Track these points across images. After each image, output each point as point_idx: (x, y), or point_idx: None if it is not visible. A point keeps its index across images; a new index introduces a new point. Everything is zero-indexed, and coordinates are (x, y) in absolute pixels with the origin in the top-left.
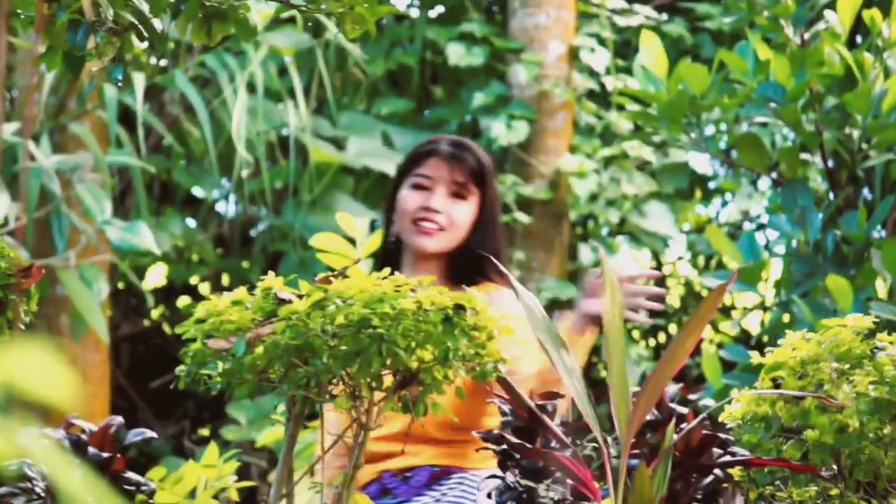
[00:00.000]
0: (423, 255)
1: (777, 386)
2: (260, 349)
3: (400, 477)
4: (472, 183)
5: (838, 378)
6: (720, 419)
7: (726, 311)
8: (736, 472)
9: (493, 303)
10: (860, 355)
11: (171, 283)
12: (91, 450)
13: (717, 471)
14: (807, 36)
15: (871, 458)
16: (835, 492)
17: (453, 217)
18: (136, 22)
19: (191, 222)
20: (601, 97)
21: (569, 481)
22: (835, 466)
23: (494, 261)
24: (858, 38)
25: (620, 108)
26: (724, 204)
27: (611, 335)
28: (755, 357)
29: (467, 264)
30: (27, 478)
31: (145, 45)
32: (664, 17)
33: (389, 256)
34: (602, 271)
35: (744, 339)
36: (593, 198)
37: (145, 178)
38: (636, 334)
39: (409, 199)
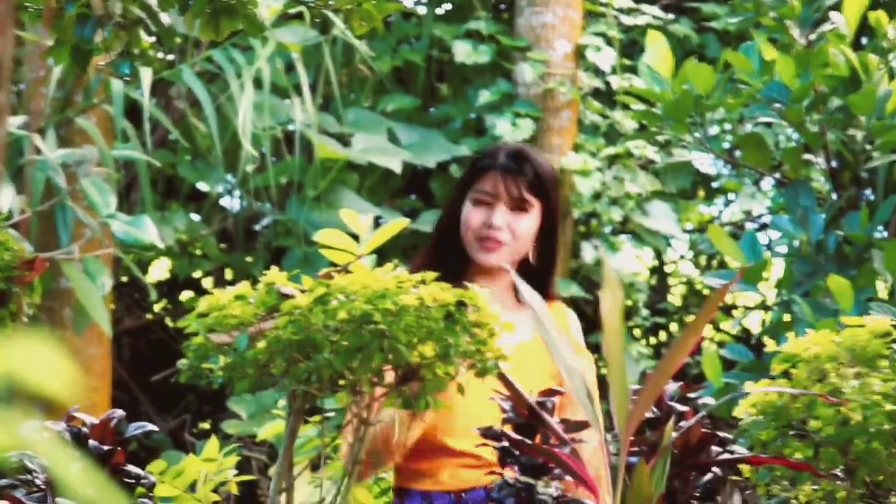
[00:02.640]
0: (489, 269)
1: (788, 379)
2: (262, 344)
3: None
4: (532, 195)
5: (854, 376)
6: (734, 413)
7: (727, 311)
8: (746, 469)
9: (570, 324)
10: (876, 355)
11: (175, 277)
12: (91, 442)
13: (715, 469)
14: (812, 37)
15: (876, 454)
16: (841, 494)
17: (515, 231)
18: (144, 16)
19: (195, 217)
20: (606, 96)
21: (567, 478)
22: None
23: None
24: (864, 40)
25: (625, 107)
26: (727, 203)
27: (610, 333)
28: (770, 344)
29: (530, 278)
30: (28, 470)
31: (153, 39)
32: (670, 16)
33: (447, 265)
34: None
35: (744, 338)
36: (596, 196)
37: (150, 173)
38: (637, 332)
39: (471, 216)
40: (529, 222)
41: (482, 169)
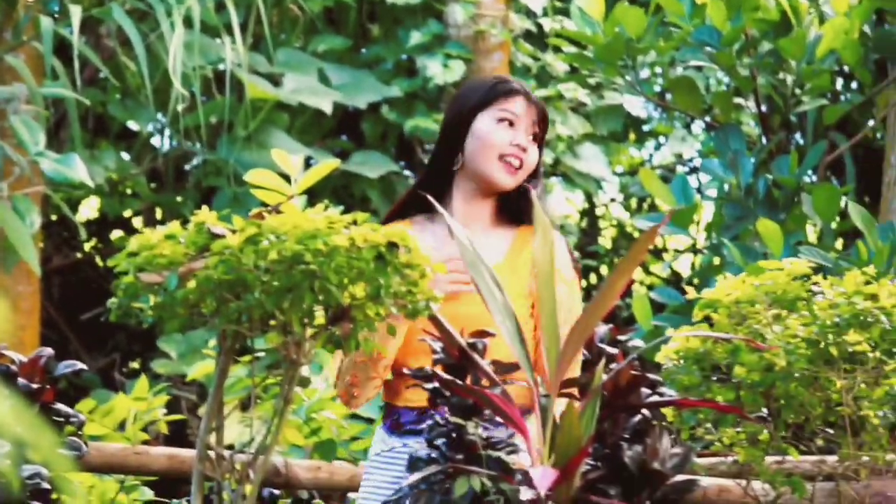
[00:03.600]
0: (488, 191)
1: (710, 324)
2: (192, 283)
3: None
4: (541, 128)
5: (773, 320)
6: (657, 359)
7: (657, 254)
8: (668, 412)
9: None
10: (795, 298)
11: (104, 216)
12: (20, 380)
13: (644, 410)
14: None
15: (799, 399)
16: (764, 436)
17: (530, 158)
18: None
19: (125, 156)
20: (538, 38)
21: (498, 419)
22: (765, 410)
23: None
24: None
25: (557, 49)
26: (658, 147)
27: (541, 275)
28: (690, 292)
29: (515, 204)
30: None
31: None
32: None
33: (434, 185)
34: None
35: (674, 281)
36: None
37: (80, 111)
38: None
39: (497, 133)
40: (535, 154)
41: (506, 92)
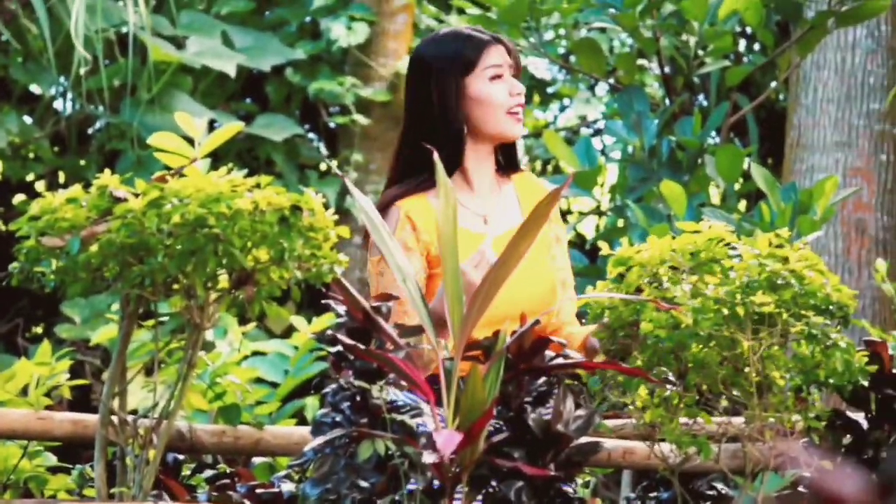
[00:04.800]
0: (490, 145)
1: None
2: (94, 247)
3: None
4: (517, 62)
5: (687, 278)
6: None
7: (562, 216)
8: (582, 373)
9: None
10: (712, 259)
11: (7, 180)
12: None
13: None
14: None
15: (707, 360)
16: (676, 399)
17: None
18: None
19: (27, 119)
20: (442, 0)
21: (402, 383)
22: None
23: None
24: None
25: (461, 11)
26: (562, 109)
27: (444, 236)
28: (604, 248)
29: (509, 149)
30: None
31: None
32: None
33: (452, 155)
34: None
35: (579, 243)
36: None
37: None
38: None
39: (495, 92)
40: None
41: (481, 47)
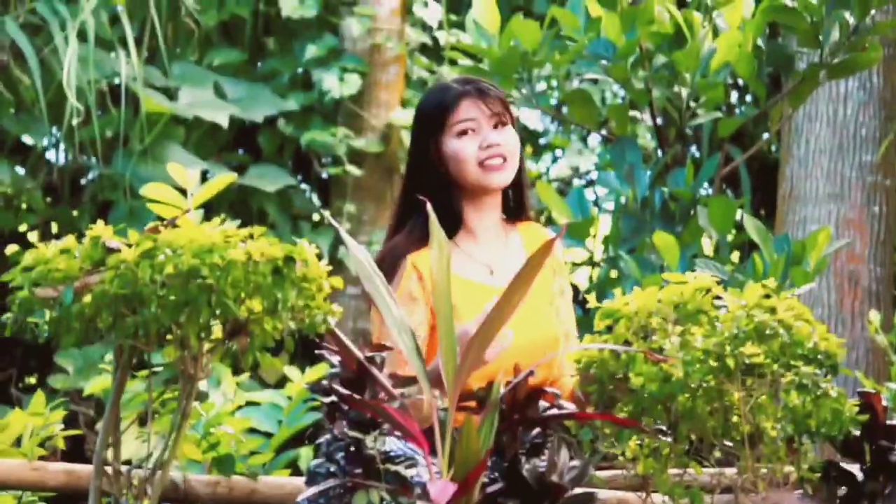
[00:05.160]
0: (487, 196)
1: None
2: (88, 298)
3: None
4: (504, 109)
5: (673, 329)
6: None
7: None
8: (571, 424)
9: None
10: (698, 310)
11: None
12: None
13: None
14: None
15: (697, 411)
16: (666, 450)
17: (510, 145)
18: None
19: (19, 170)
20: (434, 51)
21: (396, 433)
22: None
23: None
24: None
25: (453, 62)
26: (555, 160)
27: (439, 288)
28: (591, 300)
29: (517, 195)
30: None
31: None
32: None
33: (446, 206)
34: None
35: (573, 294)
36: None
37: None
38: None
39: (464, 148)
40: (514, 134)
41: (451, 102)
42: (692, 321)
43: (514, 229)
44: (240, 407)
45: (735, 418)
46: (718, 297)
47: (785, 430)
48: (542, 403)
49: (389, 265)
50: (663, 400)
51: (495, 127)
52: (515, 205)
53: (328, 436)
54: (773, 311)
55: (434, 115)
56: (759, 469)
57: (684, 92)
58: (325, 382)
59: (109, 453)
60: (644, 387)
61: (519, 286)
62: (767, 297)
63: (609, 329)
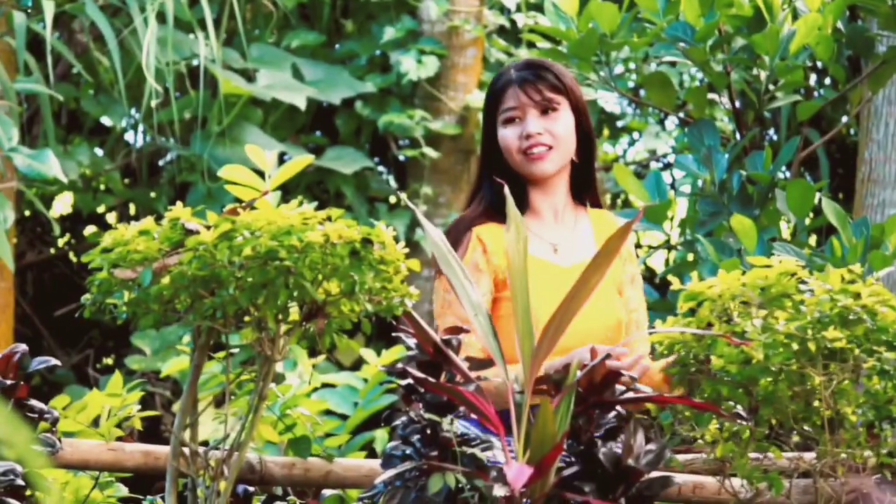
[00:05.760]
0: (546, 181)
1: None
2: (166, 279)
3: None
4: (555, 94)
5: (757, 312)
6: None
7: None
8: (652, 407)
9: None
10: (782, 294)
11: (78, 211)
12: None
13: (619, 407)
14: None
15: (778, 395)
16: (746, 434)
17: (554, 132)
18: None
19: (98, 151)
20: (511, 34)
21: (472, 416)
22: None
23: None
24: None
25: (530, 45)
26: (632, 142)
27: (514, 270)
28: (675, 283)
29: (583, 178)
30: None
31: None
32: None
33: (512, 187)
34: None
35: (649, 277)
36: None
37: (53, 106)
38: None
39: (507, 136)
40: (565, 120)
41: (499, 91)
42: (776, 305)
43: (585, 213)
44: (316, 389)
45: (815, 403)
46: (803, 282)
47: (866, 415)
48: (619, 387)
49: (455, 237)
50: (744, 383)
51: (544, 113)
52: (582, 188)
53: (404, 418)
54: (857, 296)
55: (487, 102)
56: (839, 454)
57: (763, 75)
58: (401, 365)
59: (187, 434)
60: (724, 369)
61: (595, 271)
62: (852, 282)
63: (691, 312)
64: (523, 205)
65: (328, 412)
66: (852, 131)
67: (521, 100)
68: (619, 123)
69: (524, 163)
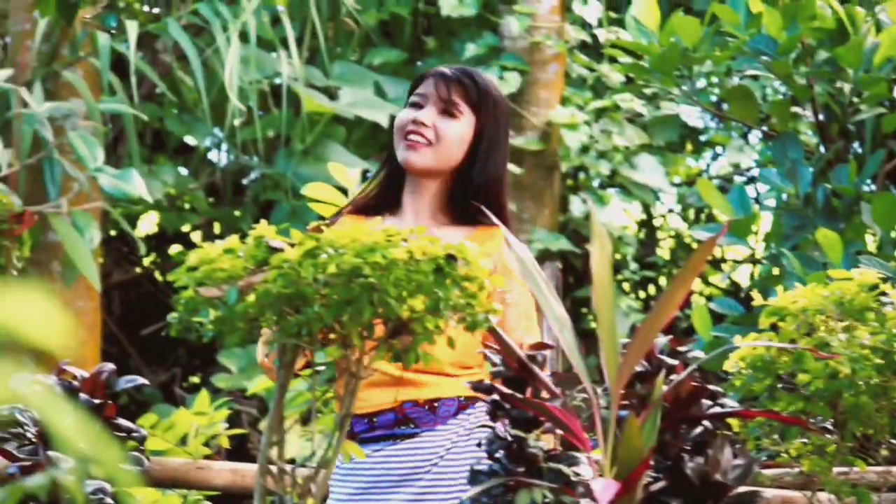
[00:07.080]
0: (418, 177)
1: (776, 333)
2: (251, 297)
3: (426, 407)
4: (464, 102)
5: (840, 329)
6: (725, 367)
7: (716, 264)
8: (735, 422)
9: (501, 257)
10: (863, 307)
11: (163, 230)
12: (82, 396)
13: (706, 422)
14: None
15: (865, 409)
16: (831, 447)
17: (440, 132)
18: None
19: (183, 171)
20: (593, 49)
21: (559, 431)
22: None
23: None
24: None
25: (612, 60)
26: (715, 157)
27: (599, 287)
28: (757, 298)
29: (464, 194)
30: (18, 423)
31: None
32: None
33: (391, 188)
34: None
35: (733, 291)
36: (584, 150)
37: (138, 126)
38: (626, 286)
39: (401, 116)
40: (458, 128)
41: (421, 77)
42: (857, 318)
43: (455, 229)
44: None
45: None
46: (884, 294)
47: None
48: (705, 402)
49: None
50: (829, 397)
51: (443, 112)
52: (459, 202)
53: (490, 434)
54: None
55: (410, 86)
56: None
57: (847, 87)
58: (486, 381)
59: (273, 452)
60: (811, 384)
61: (680, 285)
62: None
63: (773, 327)
64: (394, 201)
65: None
66: None
67: (429, 90)
68: (702, 138)
69: (400, 147)
